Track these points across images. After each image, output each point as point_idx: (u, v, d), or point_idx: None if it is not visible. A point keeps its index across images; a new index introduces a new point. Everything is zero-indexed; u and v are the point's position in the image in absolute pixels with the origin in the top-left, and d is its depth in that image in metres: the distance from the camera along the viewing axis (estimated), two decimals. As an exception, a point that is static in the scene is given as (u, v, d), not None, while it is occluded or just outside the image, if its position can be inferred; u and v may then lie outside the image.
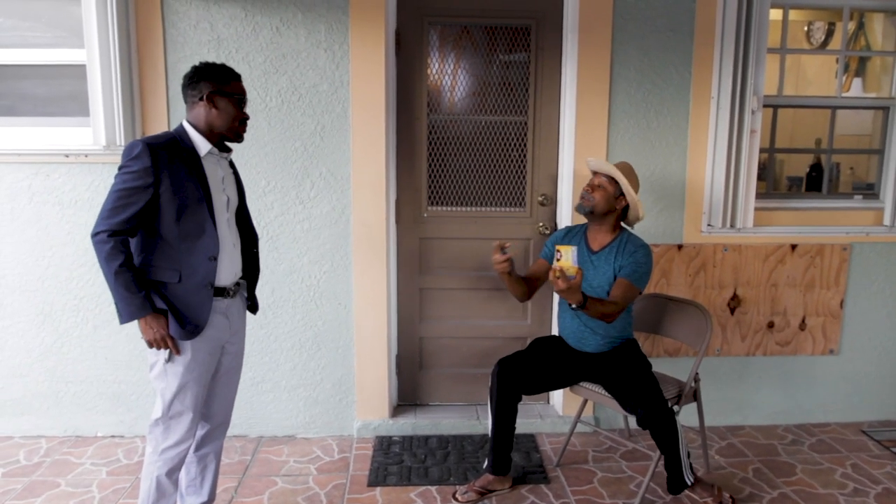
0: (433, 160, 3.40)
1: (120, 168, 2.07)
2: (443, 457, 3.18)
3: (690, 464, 2.72)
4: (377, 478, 2.98)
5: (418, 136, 3.36)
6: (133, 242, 2.12)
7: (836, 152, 3.62)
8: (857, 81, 3.86)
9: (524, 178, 3.43)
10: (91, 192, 3.14)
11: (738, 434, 3.49)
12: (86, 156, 3.11)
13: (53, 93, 3.19)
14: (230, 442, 3.29)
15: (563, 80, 3.33)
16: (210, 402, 2.39)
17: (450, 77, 3.38)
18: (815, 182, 3.88)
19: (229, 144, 2.30)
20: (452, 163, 3.42)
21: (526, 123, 3.38)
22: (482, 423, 3.42)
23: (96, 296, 3.23)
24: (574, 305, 2.51)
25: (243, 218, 2.39)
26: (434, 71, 3.36)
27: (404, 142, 3.36)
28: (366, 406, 3.39)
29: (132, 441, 3.31)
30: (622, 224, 2.85)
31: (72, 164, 3.12)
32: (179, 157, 2.12)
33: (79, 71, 3.03)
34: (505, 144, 3.41)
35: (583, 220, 2.93)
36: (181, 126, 2.20)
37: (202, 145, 2.18)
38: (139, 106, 3.08)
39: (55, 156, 3.10)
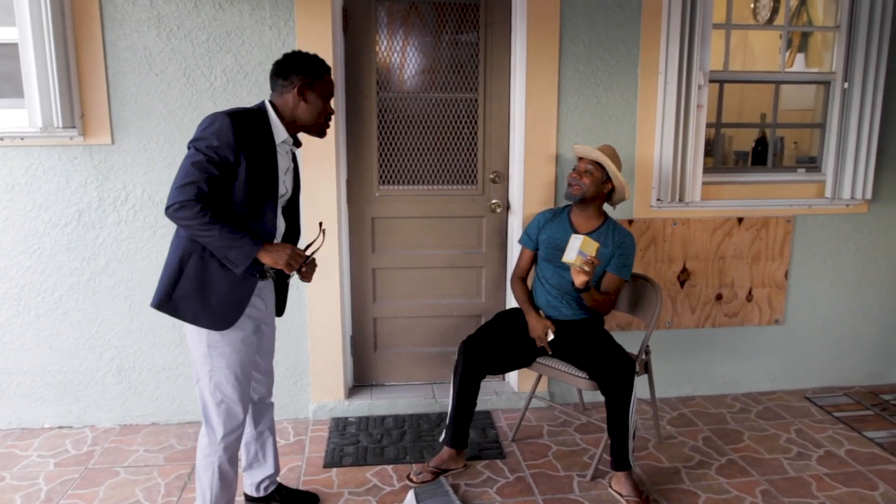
0: (384, 139, 3.37)
1: (198, 139, 1.98)
2: (399, 436, 3.18)
3: (633, 448, 2.68)
4: (333, 459, 2.98)
5: (368, 114, 3.32)
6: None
7: (779, 127, 3.69)
8: (800, 57, 3.93)
9: (476, 155, 3.42)
10: (28, 176, 3.03)
11: (689, 404, 3.57)
12: (22, 139, 2.99)
13: (-15, 73, 3.07)
14: (184, 429, 3.24)
15: (513, 56, 3.31)
16: (256, 382, 2.41)
17: (399, 54, 3.34)
18: (760, 156, 3.95)
19: (302, 138, 2.26)
20: (403, 141, 3.39)
21: (476, 101, 3.37)
22: (438, 401, 3.43)
23: (38, 283, 3.13)
24: (580, 287, 2.60)
25: (292, 212, 2.33)
26: (383, 48, 3.31)
27: (354, 121, 3.32)
28: (321, 388, 3.37)
29: (81, 431, 3.24)
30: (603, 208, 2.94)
31: (7, 147, 3.00)
32: (258, 138, 2.06)
33: (11, 50, 2.90)
34: (456, 122, 3.39)
35: (551, 202, 2.94)
36: (264, 106, 2.14)
37: (280, 133, 2.14)
38: (77, 86, 2.97)
39: (-11, 139, 2.99)
